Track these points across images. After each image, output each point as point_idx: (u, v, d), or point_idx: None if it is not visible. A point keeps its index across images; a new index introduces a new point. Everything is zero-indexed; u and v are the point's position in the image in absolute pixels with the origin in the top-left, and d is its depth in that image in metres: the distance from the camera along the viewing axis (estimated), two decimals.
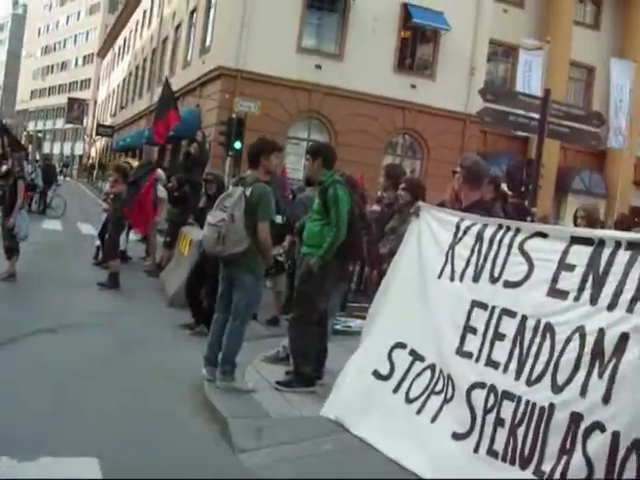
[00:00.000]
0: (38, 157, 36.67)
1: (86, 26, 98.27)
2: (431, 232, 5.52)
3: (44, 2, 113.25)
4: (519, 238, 4.71)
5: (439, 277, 5.24)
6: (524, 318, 4.45)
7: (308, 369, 6.60)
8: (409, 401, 5.12)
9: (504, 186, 10.79)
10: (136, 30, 51.96)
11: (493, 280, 4.77)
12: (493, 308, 4.68)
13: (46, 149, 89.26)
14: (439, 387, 4.96)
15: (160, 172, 15.09)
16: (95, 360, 7.34)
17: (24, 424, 5.23)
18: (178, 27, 35.19)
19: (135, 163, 20.88)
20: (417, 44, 28.25)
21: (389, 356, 5.46)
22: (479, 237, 5.00)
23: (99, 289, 11.47)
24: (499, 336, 4.58)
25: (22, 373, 6.59)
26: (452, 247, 5.21)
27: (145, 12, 48.01)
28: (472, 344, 4.74)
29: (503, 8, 29.85)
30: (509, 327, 4.53)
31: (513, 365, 4.41)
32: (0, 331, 7.88)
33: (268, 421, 5.74)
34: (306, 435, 5.42)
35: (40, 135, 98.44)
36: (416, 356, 5.27)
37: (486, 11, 28.07)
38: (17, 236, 11.28)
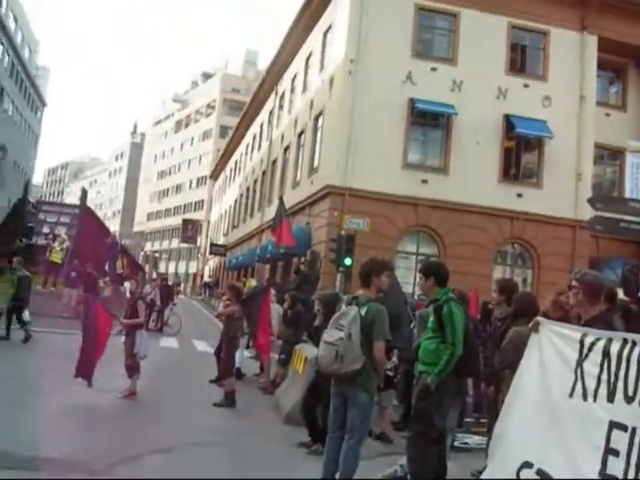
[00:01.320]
0: (155, 276, 38.16)
1: (199, 151, 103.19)
2: (554, 348, 5.39)
3: (160, 131, 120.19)
4: None
5: (570, 396, 5.04)
6: None
7: None
8: None
9: (620, 293, 10.54)
10: (246, 153, 54.29)
11: (628, 400, 4.54)
12: (634, 430, 4.41)
13: (162, 268, 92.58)
14: None
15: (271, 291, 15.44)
16: None
17: None
18: (287, 149, 36.54)
19: (253, 283, 21.56)
20: (521, 153, 28.32)
21: (517, 476, 5.23)
22: (606, 353, 4.81)
23: (209, 406, 11.62)
24: None
25: None
26: (580, 364, 5.03)
27: (255, 136, 50.21)
28: (616, 467, 4.45)
29: (605, 112, 29.68)
30: None
31: None
32: (120, 449, 8.14)
33: None
34: None
35: (156, 255, 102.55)
36: (544, 475, 5.02)
37: (588, 116, 28.03)
38: (137, 355, 11.70)
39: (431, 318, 6.73)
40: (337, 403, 6.75)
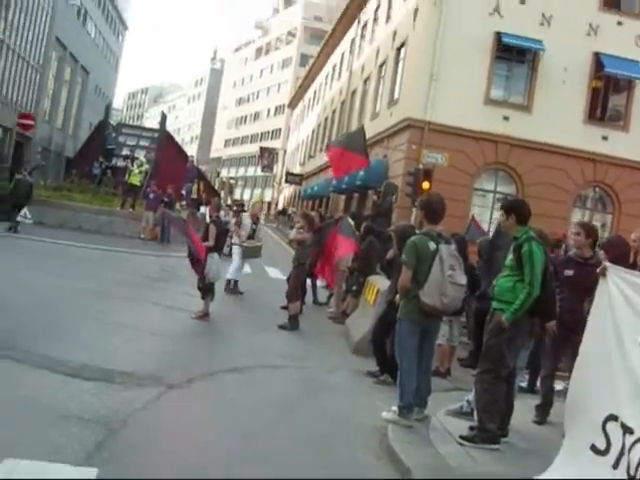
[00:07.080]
0: (230, 202, 38.71)
1: (278, 79, 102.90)
2: (622, 295, 5.27)
3: (240, 57, 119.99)
4: None
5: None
6: None
7: (493, 426, 6.49)
8: (631, 478, 4.72)
9: None
10: (326, 83, 53.78)
11: None
12: None
13: (237, 195, 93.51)
14: None
15: (349, 220, 15.37)
16: (280, 402, 7.62)
17: (212, 459, 5.52)
18: (367, 80, 36.06)
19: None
20: (609, 94, 27.24)
21: (604, 429, 5.13)
22: None
23: (281, 330, 11.88)
24: None
25: (211, 409, 7.02)
26: None
27: (335, 66, 49.65)
28: None
29: None
30: None
31: None
32: (194, 367, 8.48)
33: (450, 474, 5.69)
34: None
35: (232, 181, 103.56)
36: (625, 429, 4.91)
37: None
38: (207, 277, 11.93)
39: (510, 256, 6.62)
40: (419, 335, 7.20)
